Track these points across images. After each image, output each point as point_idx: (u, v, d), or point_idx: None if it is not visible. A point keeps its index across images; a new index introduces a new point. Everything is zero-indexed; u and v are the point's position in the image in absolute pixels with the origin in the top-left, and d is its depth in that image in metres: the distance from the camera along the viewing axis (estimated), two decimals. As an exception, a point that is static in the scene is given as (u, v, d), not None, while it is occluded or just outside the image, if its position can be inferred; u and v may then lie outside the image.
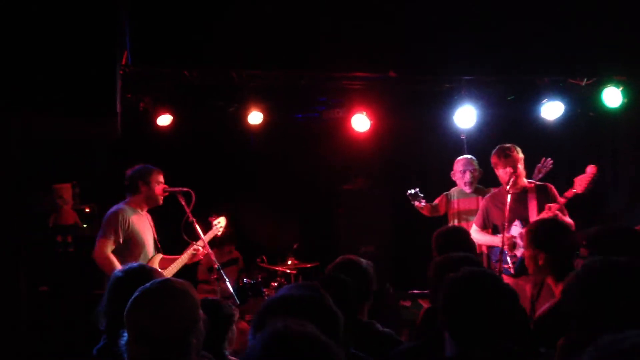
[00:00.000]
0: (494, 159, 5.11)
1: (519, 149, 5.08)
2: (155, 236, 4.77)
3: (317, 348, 1.39)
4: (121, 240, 4.48)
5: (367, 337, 2.83)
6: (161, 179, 4.73)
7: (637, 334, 1.15)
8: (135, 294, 2.15)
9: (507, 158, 4.98)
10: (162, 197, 4.73)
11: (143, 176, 4.66)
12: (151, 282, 2.21)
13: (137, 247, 4.56)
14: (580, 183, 4.82)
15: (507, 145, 5.08)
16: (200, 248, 4.74)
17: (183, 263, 4.71)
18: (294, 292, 2.04)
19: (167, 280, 2.23)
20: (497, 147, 5.12)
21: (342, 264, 3.13)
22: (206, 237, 4.78)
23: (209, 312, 2.45)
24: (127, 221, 4.53)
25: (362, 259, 3.20)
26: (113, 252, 4.46)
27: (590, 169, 4.83)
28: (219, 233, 5.03)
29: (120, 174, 4.91)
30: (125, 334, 2.12)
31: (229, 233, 6.70)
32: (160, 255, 4.72)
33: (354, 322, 2.69)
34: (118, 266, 4.30)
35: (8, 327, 5.16)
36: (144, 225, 4.65)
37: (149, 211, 4.83)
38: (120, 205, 4.63)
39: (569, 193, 4.88)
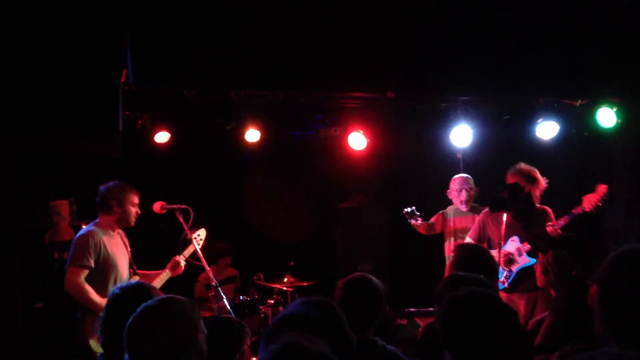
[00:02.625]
0: (512, 177, 5.12)
1: (533, 175, 5.06)
2: (130, 256, 4.52)
3: None
4: (93, 265, 4.17)
5: (371, 354, 2.82)
6: (136, 200, 4.45)
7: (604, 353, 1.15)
8: (136, 313, 2.14)
9: (517, 176, 5.01)
10: (134, 219, 4.44)
11: (118, 196, 4.35)
12: (152, 299, 2.20)
13: (109, 271, 4.26)
14: (590, 201, 4.83)
15: (527, 168, 5.09)
16: (182, 261, 4.53)
17: (164, 281, 4.51)
18: (308, 310, 2.02)
19: (167, 298, 2.22)
20: (521, 166, 5.13)
21: (355, 282, 3.04)
22: (186, 252, 4.58)
23: (218, 330, 2.44)
24: (98, 244, 4.24)
25: (374, 279, 3.09)
26: (95, 279, 4.18)
27: (601, 188, 4.85)
28: (199, 245, 4.65)
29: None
30: (127, 354, 2.12)
31: (224, 247, 6.70)
32: (136, 278, 4.47)
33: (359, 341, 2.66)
34: (94, 296, 4.12)
35: (3, 343, 5.14)
36: (117, 247, 4.38)
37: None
38: (90, 227, 4.33)
39: (577, 210, 4.88)
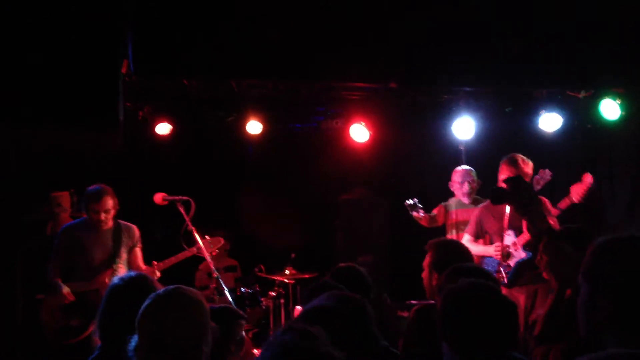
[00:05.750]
0: (502, 165, 5.07)
1: (530, 165, 5.01)
2: (116, 252, 4.73)
3: None
4: (64, 257, 4.67)
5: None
6: (96, 207, 4.62)
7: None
8: (148, 302, 2.14)
9: (514, 168, 4.95)
10: (101, 223, 4.67)
11: (85, 202, 4.71)
12: (164, 289, 2.21)
13: (80, 262, 4.66)
14: (577, 192, 4.80)
15: (521, 156, 5.00)
16: (157, 272, 4.72)
17: None
18: (338, 305, 2.01)
19: (179, 288, 2.23)
20: (511, 154, 5.06)
21: (340, 270, 3.12)
22: (167, 262, 4.78)
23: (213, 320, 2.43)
24: (71, 238, 4.68)
25: (359, 267, 3.18)
26: (69, 268, 4.65)
27: (587, 178, 4.81)
28: (212, 251, 4.85)
29: (117, 182, 4.92)
30: (134, 339, 2.12)
31: (221, 234, 6.69)
32: (119, 270, 4.67)
33: None
34: (62, 291, 4.55)
35: (4, 334, 5.15)
36: (94, 242, 4.70)
37: (134, 219, 4.89)
38: (74, 221, 4.88)
39: (565, 203, 4.86)
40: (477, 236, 5.19)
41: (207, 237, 4.85)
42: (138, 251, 4.86)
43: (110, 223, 4.74)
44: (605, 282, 1.65)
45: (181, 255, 4.80)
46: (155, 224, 5.87)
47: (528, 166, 5.01)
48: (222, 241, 5.08)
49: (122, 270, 4.68)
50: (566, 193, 5.01)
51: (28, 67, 4.24)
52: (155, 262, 4.75)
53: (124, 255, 4.77)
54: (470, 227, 5.23)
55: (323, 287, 2.60)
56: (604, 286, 1.65)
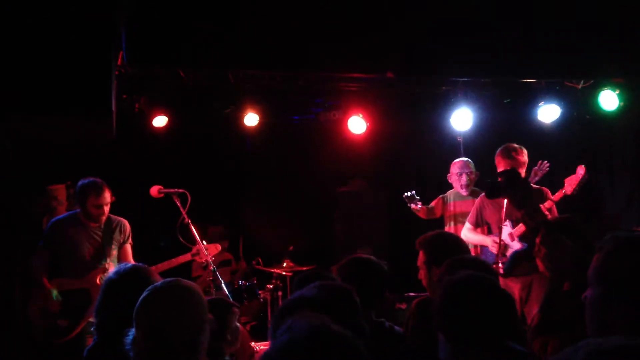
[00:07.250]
0: (497, 157, 5.05)
1: (525, 152, 5.00)
2: (106, 250, 4.68)
3: (355, 353, 1.34)
4: (47, 250, 4.61)
5: (378, 337, 2.77)
6: (98, 201, 4.59)
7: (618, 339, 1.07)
8: (146, 293, 2.13)
9: (509, 159, 4.93)
10: (100, 217, 4.65)
11: (78, 196, 4.66)
12: (162, 281, 2.20)
13: (69, 258, 4.60)
14: (570, 184, 4.79)
15: (515, 146, 4.98)
16: None
17: None
18: (324, 295, 1.98)
19: (177, 280, 2.22)
20: (505, 144, 5.04)
21: (359, 261, 3.04)
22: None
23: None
24: (60, 233, 4.61)
25: (374, 258, 3.09)
26: (56, 262, 4.59)
27: (580, 170, 4.80)
28: (209, 259, 4.78)
29: (113, 175, 4.90)
30: (131, 333, 2.11)
31: (220, 231, 6.68)
32: (110, 268, 4.60)
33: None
34: (35, 274, 4.50)
35: (2, 328, 5.13)
36: (84, 237, 4.64)
37: (130, 217, 4.84)
38: (63, 215, 4.83)
39: (558, 195, 4.85)
40: (477, 225, 5.19)
41: (204, 242, 4.83)
42: (128, 247, 4.80)
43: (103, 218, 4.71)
44: (624, 286, 1.52)
45: (175, 261, 4.79)
46: (158, 230, 5.82)
47: (523, 155, 4.99)
48: (220, 248, 5.06)
49: (112, 269, 4.61)
50: (563, 185, 4.99)
51: (20, 59, 4.20)
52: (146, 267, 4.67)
53: (114, 252, 4.71)
54: (471, 216, 5.23)
55: (315, 277, 2.57)
56: (622, 290, 1.53)
